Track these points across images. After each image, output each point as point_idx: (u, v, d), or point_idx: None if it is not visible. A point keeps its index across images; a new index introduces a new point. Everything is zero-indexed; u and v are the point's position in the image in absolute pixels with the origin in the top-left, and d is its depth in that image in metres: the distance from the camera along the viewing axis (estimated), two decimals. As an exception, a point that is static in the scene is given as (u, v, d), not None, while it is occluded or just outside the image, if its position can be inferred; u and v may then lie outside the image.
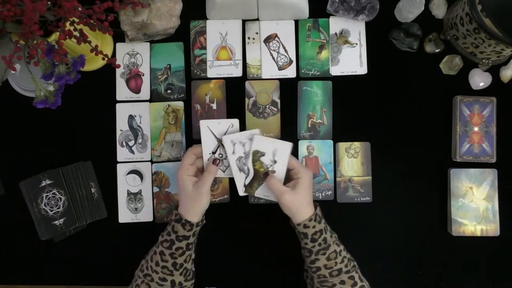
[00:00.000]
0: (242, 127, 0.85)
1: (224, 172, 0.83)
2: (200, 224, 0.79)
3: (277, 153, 0.78)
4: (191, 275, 0.79)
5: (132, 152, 0.90)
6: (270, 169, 0.78)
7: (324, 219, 0.79)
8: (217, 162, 0.79)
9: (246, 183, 0.80)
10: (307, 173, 0.78)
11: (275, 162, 0.79)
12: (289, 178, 0.81)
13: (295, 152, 0.90)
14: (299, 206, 0.76)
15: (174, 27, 0.90)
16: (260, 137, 0.79)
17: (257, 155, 0.78)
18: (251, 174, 0.79)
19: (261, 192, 0.80)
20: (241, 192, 0.81)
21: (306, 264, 0.78)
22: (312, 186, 0.79)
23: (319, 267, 0.75)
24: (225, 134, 0.81)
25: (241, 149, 0.79)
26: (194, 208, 0.77)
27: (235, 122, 0.82)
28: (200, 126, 0.81)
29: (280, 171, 0.79)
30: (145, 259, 0.79)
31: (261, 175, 0.79)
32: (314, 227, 0.75)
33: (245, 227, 0.90)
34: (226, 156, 0.80)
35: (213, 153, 0.81)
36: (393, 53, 0.91)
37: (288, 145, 0.79)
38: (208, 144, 0.81)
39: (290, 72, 0.92)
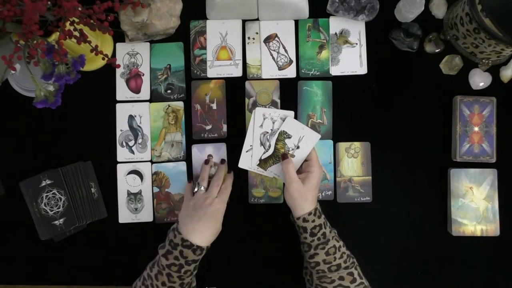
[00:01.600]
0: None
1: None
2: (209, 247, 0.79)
3: (303, 140, 0.80)
4: (194, 284, 0.80)
5: (132, 152, 0.90)
6: (290, 152, 0.79)
7: (324, 216, 0.79)
8: (232, 176, 0.82)
9: (262, 158, 0.81)
10: (319, 170, 0.80)
11: (298, 147, 0.80)
12: (301, 168, 0.82)
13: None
14: (303, 199, 0.77)
15: (174, 27, 0.90)
16: (293, 120, 0.80)
17: (283, 135, 0.79)
18: (271, 151, 0.80)
19: (272, 171, 0.82)
20: (254, 165, 0.82)
21: (305, 260, 0.79)
22: (319, 185, 0.80)
23: (318, 262, 0.75)
24: (273, 129, 0.82)
25: (270, 125, 0.81)
26: (212, 236, 0.78)
27: (291, 114, 0.83)
28: (255, 114, 0.81)
29: (299, 158, 0.81)
30: (147, 275, 0.76)
31: (279, 155, 0.80)
32: (313, 221, 0.76)
33: (245, 227, 0.90)
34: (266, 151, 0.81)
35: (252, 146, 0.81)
36: (393, 53, 0.91)
37: (317, 136, 0.81)
38: (254, 134, 0.81)
39: (290, 72, 0.92)
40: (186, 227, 0.76)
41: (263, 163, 0.82)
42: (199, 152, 0.90)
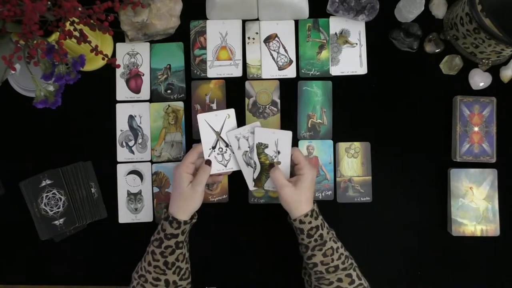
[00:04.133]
0: (239, 116, 0.86)
1: (225, 166, 0.83)
2: (189, 223, 0.78)
3: (279, 143, 0.80)
4: (186, 274, 0.79)
5: (132, 152, 0.90)
6: (275, 160, 0.79)
7: (322, 217, 0.79)
8: (210, 163, 0.79)
9: (255, 177, 0.81)
10: (310, 171, 0.78)
11: (278, 152, 0.80)
12: (293, 171, 0.82)
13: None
14: (297, 202, 0.77)
15: (174, 27, 0.90)
16: (261, 128, 0.80)
17: (261, 147, 0.79)
18: (258, 167, 0.80)
19: (269, 185, 0.82)
20: (251, 186, 0.83)
21: (303, 261, 0.79)
22: (314, 185, 0.80)
23: (316, 263, 0.75)
24: (222, 126, 0.82)
25: (246, 143, 0.81)
26: (185, 207, 0.77)
27: (231, 112, 0.84)
28: (198, 121, 0.82)
29: (284, 162, 0.80)
30: (140, 261, 0.79)
31: (267, 167, 0.80)
32: (310, 222, 0.76)
33: (244, 227, 0.90)
34: (227, 150, 0.82)
35: (213, 147, 0.81)
36: (393, 53, 0.91)
37: (288, 134, 0.80)
38: (207, 138, 0.82)
39: (290, 72, 0.92)
40: (170, 202, 0.79)
41: (257, 182, 0.82)
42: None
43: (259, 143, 0.79)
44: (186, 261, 0.79)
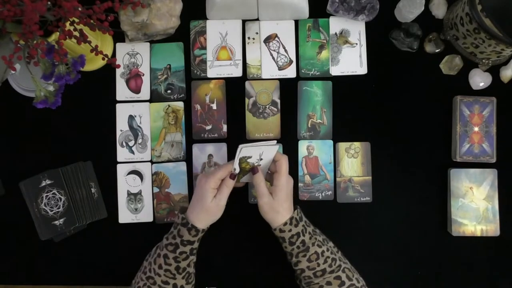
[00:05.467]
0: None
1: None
2: (206, 231, 0.78)
3: (263, 154, 0.78)
4: (192, 278, 0.79)
5: (132, 152, 0.90)
6: (255, 164, 0.79)
7: (305, 221, 0.78)
8: (234, 176, 0.78)
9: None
10: (286, 182, 0.77)
11: (261, 159, 0.79)
12: (271, 178, 0.81)
13: (295, 153, 0.90)
14: (275, 212, 0.76)
15: (174, 27, 0.90)
16: (245, 148, 0.77)
17: (244, 159, 0.78)
18: (237, 171, 0.79)
19: (245, 178, 0.81)
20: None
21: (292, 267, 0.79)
22: (291, 194, 0.79)
23: (303, 269, 0.75)
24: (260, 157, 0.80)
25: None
26: (206, 219, 0.77)
27: (274, 148, 0.79)
28: (237, 150, 0.78)
29: (264, 166, 0.80)
30: (147, 261, 0.78)
31: (246, 171, 0.79)
32: (290, 230, 0.76)
33: (245, 227, 0.90)
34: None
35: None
36: (393, 53, 0.91)
37: (274, 149, 0.78)
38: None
39: (290, 72, 0.92)
40: (189, 208, 0.78)
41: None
42: (200, 152, 0.90)
43: (242, 157, 0.77)
44: (194, 265, 0.79)
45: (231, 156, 0.89)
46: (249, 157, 0.78)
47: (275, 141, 0.78)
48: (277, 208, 0.76)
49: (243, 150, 0.76)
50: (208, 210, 0.76)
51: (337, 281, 0.74)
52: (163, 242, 0.77)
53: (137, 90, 0.91)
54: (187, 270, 0.76)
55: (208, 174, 0.78)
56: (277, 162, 0.78)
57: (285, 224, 0.76)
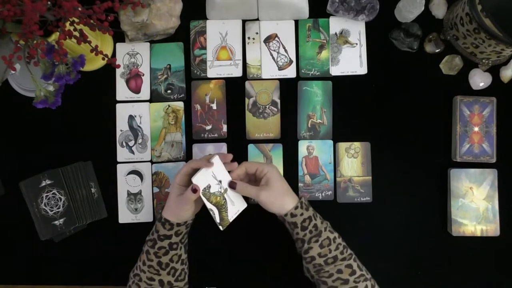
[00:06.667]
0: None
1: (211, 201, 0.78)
2: (183, 225, 0.77)
3: (214, 171, 0.76)
4: (182, 275, 0.78)
5: (132, 152, 0.90)
6: (221, 191, 0.77)
7: (312, 208, 0.78)
8: (196, 191, 0.74)
9: (219, 221, 0.77)
10: (270, 167, 0.77)
11: (220, 182, 0.76)
12: (256, 181, 0.80)
13: (295, 153, 0.90)
14: (279, 198, 0.76)
15: (174, 27, 0.90)
16: (198, 175, 0.74)
17: (206, 193, 0.75)
18: (216, 210, 0.76)
19: (232, 215, 0.78)
20: (222, 228, 0.78)
21: (302, 257, 0.77)
22: (283, 178, 0.78)
23: (314, 257, 0.74)
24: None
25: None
26: (175, 214, 0.76)
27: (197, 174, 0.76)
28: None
29: (228, 182, 0.77)
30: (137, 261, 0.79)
31: (222, 204, 0.77)
32: (302, 214, 0.75)
33: (245, 227, 0.90)
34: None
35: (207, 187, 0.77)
36: (393, 53, 0.91)
37: (216, 160, 0.76)
38: (205, 177, 0.76)
39: (290, 72, 0.92)
40: (166, 203, 0.78)
41: (222, 222, 0.78)
42: (200, 152, 0.90)
43: (202, 190, 0.74)
44: (182, 262, 0.78)
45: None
46: (209, 187, 0.75)
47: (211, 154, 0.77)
48: (277, 193, 0.75)
49: (194, 179, 0.73)
50: (174, 205, 0.76)
51: (348, 269, 0.73)
52: (146, 238, 0.78)
53: (137, 90, 0.91)
54: (171, 266, 0.76)
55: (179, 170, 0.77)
56: (245, 169, 0.78)
57: (296, 208, 0.75)
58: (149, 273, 0.75)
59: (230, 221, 0.79)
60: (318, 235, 0.74)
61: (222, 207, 0.77)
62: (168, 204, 0.77)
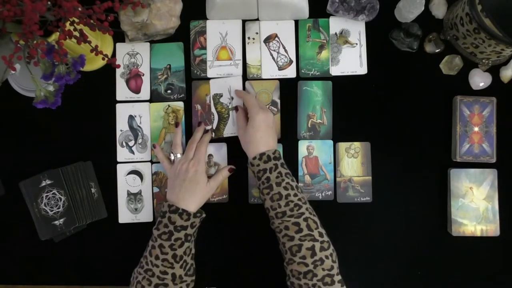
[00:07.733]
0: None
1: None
2: (199, 216, 0.79)
3: (231, 88, 0.85)
4: (191, 271, 0.79)
5: (132, 152, 0.90)
6: (230, 106, 0.84)
7: (282, 163, 0.79)
8: (233, 170, 0.84)
9: (214, 128, 0.85)
10: (257, 112, 0.81)
11: (232, 98, 0.84)
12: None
13: (295, 153, 0.90)
14: (249, 143, 0.80)
15: (174, 27, 0.90)
16: (214, 80, 0.84)
17: (216, 98, 0.83)
18: (216, 117, 0.83)
19: (228, 132, 0.86)
20: (213, 135, 0.87)
21: None
22: (266, 126, 0.80)
23: (268, 208, 0.77)
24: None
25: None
26: (199, 201, 0.80)
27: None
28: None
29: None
30: (143, 256, 0.79)
31: (225, 116, 0.84)
32: (258, 165, 0.78)
33: (244, 227, 0.90)
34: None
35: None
36: (393, 53, 0.91)
37: (238, 79, 0.85)
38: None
39: (290, 72, 0.92)
40: (172, 197, 0.80)
41: (217, 131, 0.87)
42: None
43: (214, 94, 0.83)
44: (192, 257, 0.79)
45: (231, 156, 0.89)
46: (221, 96, 0.82)
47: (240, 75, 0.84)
48: (248, 139, 0.80)
49: (212, 84, 0.82)
50: (203, 193, 0.80)
51: (295, 227, 0.73)
52: (154, 233, 0.78)
53: (137, 90, 0.91)
54: (184, 259, 0.76)
55: (188, 156, 0.82)
56: (241, 99, 0.84)
57: (254, 158, 0.78)
58: (162, 266, 0.75)
59: (223, 136, 0.86)
60: (269, 188, 0.76)
61: (223, 119, 0.85)
62: (188, 194, 0.79)
